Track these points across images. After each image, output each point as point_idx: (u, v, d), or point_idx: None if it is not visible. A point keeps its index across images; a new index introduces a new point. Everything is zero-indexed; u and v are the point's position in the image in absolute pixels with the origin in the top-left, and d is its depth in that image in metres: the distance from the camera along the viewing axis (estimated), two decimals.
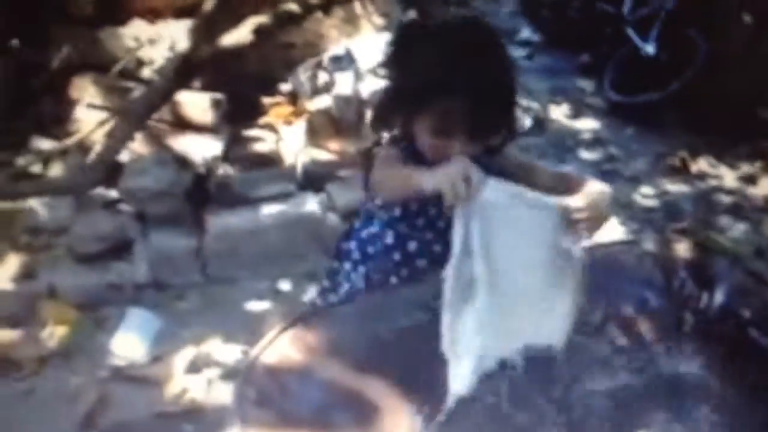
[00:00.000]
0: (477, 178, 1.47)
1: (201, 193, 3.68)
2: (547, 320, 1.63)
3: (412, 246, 1.88)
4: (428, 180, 1.54)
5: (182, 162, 3.71)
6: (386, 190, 1.77)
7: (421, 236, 1.88)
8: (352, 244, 1.97)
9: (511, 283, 1.55)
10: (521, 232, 1.56)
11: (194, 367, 3.07)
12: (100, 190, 3.64)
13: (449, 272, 1.49)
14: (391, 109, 1.82)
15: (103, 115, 3.82)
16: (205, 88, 4.08)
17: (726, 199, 4.63)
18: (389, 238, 1.91)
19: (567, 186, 1.79)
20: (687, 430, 1.55)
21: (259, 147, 4.03)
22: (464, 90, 1.61)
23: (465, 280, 1.50)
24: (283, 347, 1.66)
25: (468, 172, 1.47)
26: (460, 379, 1.51)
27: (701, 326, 1.81)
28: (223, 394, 2.89)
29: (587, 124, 5.68)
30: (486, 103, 1.64)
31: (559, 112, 5.83)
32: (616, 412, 1.60)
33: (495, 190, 1.50)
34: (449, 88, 1.62)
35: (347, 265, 1.98)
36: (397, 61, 1.77)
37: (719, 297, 1.85)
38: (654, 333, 1.81)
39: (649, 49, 5.69)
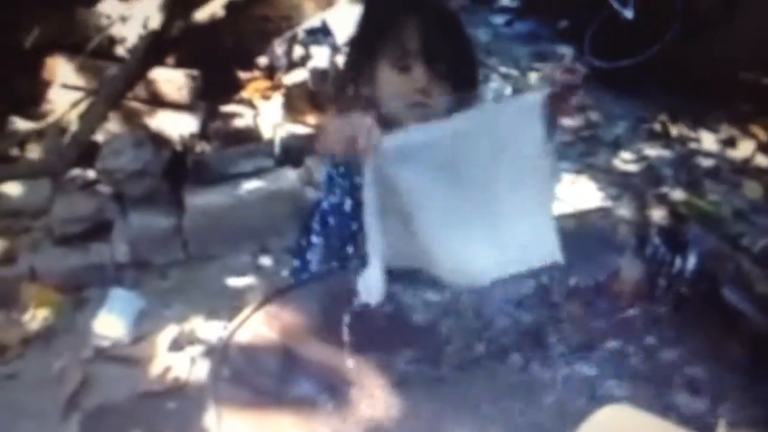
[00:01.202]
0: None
1: (179, 170, 3.66)
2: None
3: None
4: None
5: (159, 140, 3.68)
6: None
7: None
8: (316, 218, 1.99)
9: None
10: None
11: (177, 346, 3.07)
12: (77, 172, 3.62)
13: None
14: (355, 57, 1.87)
15: (77, 95, 3.78)
16: (180, 64, 4.04)
17: (706, 163, 4.63)
18: (347, 207, 1.91)
19: None
20: (661, 394, 1.56)
21: (237, 123, 4.01)
22: (416, 15, 1.71)
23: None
24: (257, 325, 1.66)
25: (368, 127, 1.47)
26: (368, 288, 1.51)
27: (674, 290, 1.82)
28: (206, 371, 2.88)
29: None
30: (438, 31, 1.73)
31: (538, 79, 5.81)
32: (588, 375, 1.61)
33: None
34: (402, 17, 1.71)
35: (313, 239, 1.99)
36: (361, 18, 1.85)
37: (693, 261, 1.86)
38: (627, 298, 1.82)
39: (628, 13, 5.66)
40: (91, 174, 3.66)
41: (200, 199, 3.60)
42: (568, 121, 5.12)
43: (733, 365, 1.62)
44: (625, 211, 2.06)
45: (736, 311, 1.73)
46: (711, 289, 1.79)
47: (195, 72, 4.02)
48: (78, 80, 3.91)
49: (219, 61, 4.15)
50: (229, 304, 3.14)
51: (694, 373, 1.62)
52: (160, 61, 3.74)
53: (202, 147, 3.82)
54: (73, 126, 3.55)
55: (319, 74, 4.08)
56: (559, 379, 1.57)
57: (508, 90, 5.39)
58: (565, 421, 1.39)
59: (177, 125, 3.82)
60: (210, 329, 3.13)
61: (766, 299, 1.73)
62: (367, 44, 1.80)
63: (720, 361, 1.64)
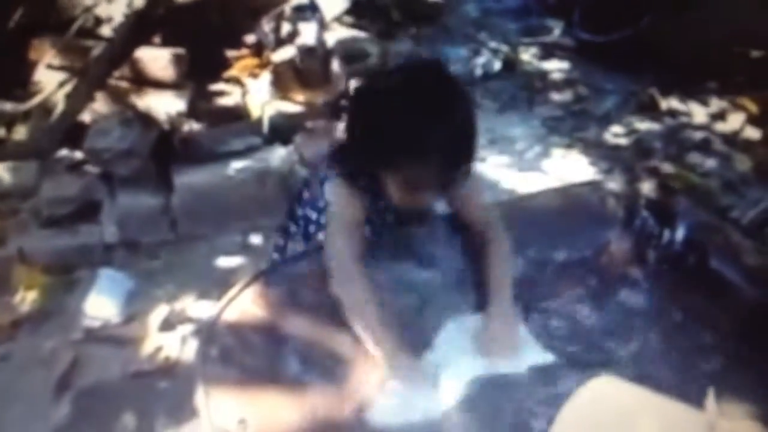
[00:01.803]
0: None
1: (167, 150, 3.64)
2: None
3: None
4: (391, 366, 1.53)
5: (146, 120, 3.66)
6: (346, 308, 1.65)
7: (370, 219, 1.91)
8: (303, 211, 2.00)
9: None
10: None
11: (168, 325, 3.07)
12: (64, 152, 3.60)
13: None
14: (356, 163, 1.78)
15: (63, 75, 3.75)
16: (167, 43, 4.01)
17: (696, 136, 4.63)
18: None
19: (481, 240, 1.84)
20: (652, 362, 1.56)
21: (225, 101, 3.99)
22: (437, 150, 1.62)
23: None
24: (245, 304, 1.66)
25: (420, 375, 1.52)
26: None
27: (663, 261, 1.83)
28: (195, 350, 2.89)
29: (557, 65, 5.65)
30: (454, 157, 1.66)
31: (528, 54, 5.79)
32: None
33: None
34: (422, 150, 1.62)
35: (301, 227, 2.00)
36: (363, 120, 1.73)
37: (681, 233, 1.86)
38: (615, 269, 1.82)
39: None
40: (78, 154, 3.64)
41: (188, 179, 3.58)
42: (558, 96, 5.13)
43: (722, 334, 1.63)
44: (614, 184, 2.05)
45: (724, 282, 1.74)
46: (700, 261, 1.79)
47: (182, 50, 3.99)
48: (63, 60, 3.87)
49: (206, 39, 4.12)
50: (219, 284, 3.14)
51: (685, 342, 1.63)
52: (146, 40, 3.71)
53: (189, 126, 3.80)
54: (60, 106, 3.52)
55: (306, 51, 4.05)
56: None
57: (497, 64, 5.39)
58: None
59: (164, 104, 3.79)
60: (200, 308, 3.13)
61: (754, 270, 1.73)
62: (370, 165, 1.75)
63: (709, 330, 1.65)
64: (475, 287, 1.76)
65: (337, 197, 1.82)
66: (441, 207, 1.98)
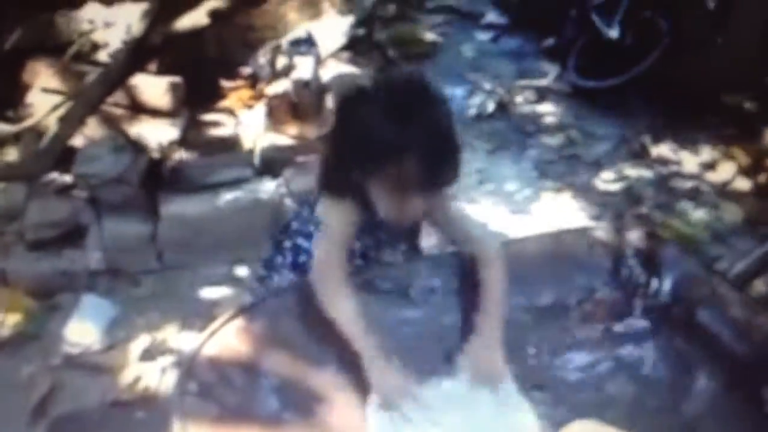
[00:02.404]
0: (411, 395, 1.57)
1: (156, 178, 3.63)
2: None
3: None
4: (372, 372, 1.58)
5: (137, 147, 3.65)
6: (329, 311, 1.69)
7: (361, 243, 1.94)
8: (292, 241, 2.00)
9: None
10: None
11: (149, 355, 3.04)
12: (53, 176, 3.59)
13: None
14: (341, 175, 1.80)
15: (57, 98, 3.74)
16: (163, 71, 4.01)
17: (686, 185, 4.65)
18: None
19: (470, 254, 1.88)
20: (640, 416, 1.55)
21: (218, 131, 3.99)
22: (415, 151, 1.64)
23: None
24: (227, 338, 1.63)
25: (406, 394, 1.56)
26: None
27: (649, 312, 1.82)
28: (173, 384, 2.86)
29: (550, 108, 5.68)
30: (436, 158, 1.68)
31: (522, 96, 5.82)
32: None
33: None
34: (400, 152, 1.64)
35: (289, 257, 2.00)
36: (343, 129, 1.77)
37: (668, 284, 1.86)
38: (601, 319, 1.81)
39: (613, 33, 5.67)
40: (67, 178, 3.62)
41: (176, 208, 3.57)
42: (550, 140, 5.15)
43: (706, 387, 1.62)
44: (602, 232, 2.04)
45: (710, 334, 1.73)
46: (686, 312, 1.79)
47: (177, 79, 3.99)
48: (58, 84, 3.87)
49: (202, 69, 4.13)
50: (203, 315, 3.11)
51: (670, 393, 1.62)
52: (142, 68, 3.71)
53: (180, 155, 3.79)
54: (52, 129, 3.51)
55: (301, 85, 4.06)
56: None
57: (491, 106, 5.41)
58: None
59: (156, 132, 3.78)
60: (182, 339, 3.10)
61: (741, 324, 1.73)
62: (354, 171, 1.75)
63: (694, 382, 1.64)
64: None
65: (328, 210, 1.86)
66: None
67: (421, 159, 1.64)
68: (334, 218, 1.83)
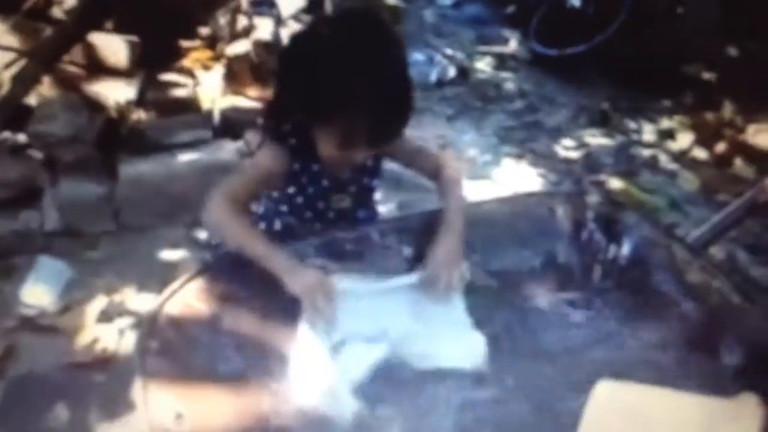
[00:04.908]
0: (334, 289, 1.59)
1: (113, 138, 3.57)
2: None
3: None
4: (286, 280, 1.59)
5: (94, 106, 3.59)
6: (230, 240, 1.74)
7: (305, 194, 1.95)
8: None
9: None
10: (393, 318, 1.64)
11: (106, 317, 3.00)
12: (7, 135, 3.51)
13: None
14: (287, 118, 1.78)
15: (10, 56, 3.66)
16: (119, 29, 3.93)
17: (644, 153, 4.69)
18: (277, 225, 2.02)
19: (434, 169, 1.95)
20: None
21: (176, 92, 3.92)
22: (366, 104, 1.59)
23: None
24: (188, 298, 1.62)
25: (327, 287, 1.58)
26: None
27: (607, 276, 1.84)
28: (134, 343, 2.84)
29: (511, 75, 5.69)
30: (387, 113, 1.64)
31: (483, 63, 5.82)
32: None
33: (354, 295, 1.62)
34: (351, 104, 1.60)
35: None
36: (291, 71, 1.70)
37: (627, 249, 1.88)
38: (560, 283, 1.83)
39: (575, 1, 5.69)
40: (22, 138, 3.54)
41: (134, 169, 3.52)
42: (510, 106, 5.17)
43: (664, 350, 1.64)
44: (562, 197, 2.06)
45: (667, 298, 1.75)
46: (644, 276, 1.81)
47: (134, 38, 3.91)
48: (12, 41, 3.77)
49: (160, 28, 4.04)
50: (161, 277, 3.09)
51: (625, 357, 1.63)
52: (98, 26, 3.64)
53: (138, 115, 3.73)
54: (5, 88, 3.43)
55: (262, 46, 4.01)
56: None
57: (452, 72, 5.40)
58: None
59: (113, 92, 3.72)
60: (141, 301, 3.07)
61: (697, 288, 1.75)
62: (302, 118, 1.74)
63: (651, 345, 1.66)
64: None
65: (262, 150, 1.84)
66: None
67: (372, 115, 1.61)
68: (260, 159, 1.84)
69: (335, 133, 1.66)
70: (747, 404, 1.43)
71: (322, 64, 1.60)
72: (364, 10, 1.72)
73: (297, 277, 1.59)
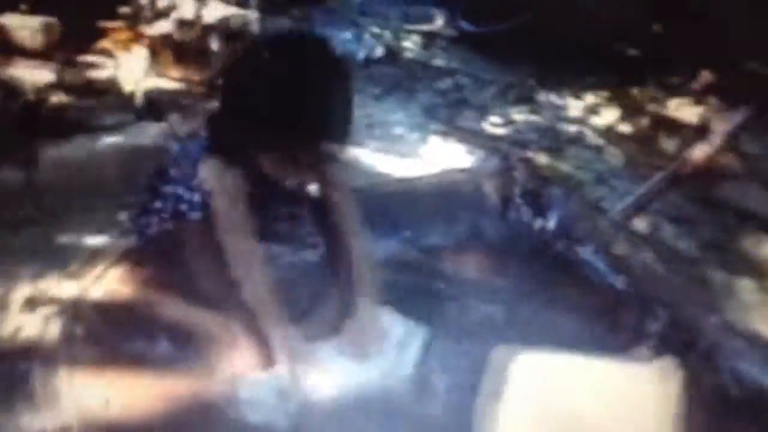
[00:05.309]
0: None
1: (32, 122, 3.47)
2: None
3: None
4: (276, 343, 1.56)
5: (10, 89, 3.49)
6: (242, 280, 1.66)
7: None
8: (172, 188, 1.92)
9: None
10: None
11: (29, 306, 2.93)
12: None
13: None
14: (230, 140, 1.74)
15: None
16: (35, 10, 3.83)
17: (570, 129, 4.75)
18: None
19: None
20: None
21: (96, 74, 3.84)
22: (304, 127, 1.59)
23: None
24: (112, 283, 1.60)
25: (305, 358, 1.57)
26: None
27: (534, 249, 1.86)
28: (59, 331, 2.77)
29: (438, 53, 5.70)
30: (330, 135, 1.65)
31: (410, 41, 5.82)
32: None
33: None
34: (288, 126, 1.59)
35: (170, 205, 1.92)
36: (235, 94, 1.70)
37: (552, 222, 1.90)
38: (487, 258, 1.84)
39: None
40: None
41: (55, 153, 3.44)
42: (437, 84, 5.18)
43: (587, 320, 1.67)
44: (490, 172, 2.07)
45: (592, 269, 1.78)
46: (569, 249, 1.83)
47: (52, 19, 3.81)
48: None
49: (78, 8, 3.95)
50: (84, 262, 3.02)
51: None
52: (12, 6, 3.54)
53: (58, 98, 3.63)
54: None
55: (184, 26, 3.94)
56: None
57: (379, 50, 5.39)
58: None
59: (31, 74, 3.62)
60: (64, 288, 2.99)
61: (621, 259, 1.78)
62: (247, 137, 1.70)
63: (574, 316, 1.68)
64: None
65: (214, 174, 1.76)
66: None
67: (314, 137, 1.62)
68: (222, 181, 1.75)
69: (276, 156, 1.69)
70: (665, 369, 1.46)
71: (263, 87, 1.59)
72: (310, 34, 1.73)
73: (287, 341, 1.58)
